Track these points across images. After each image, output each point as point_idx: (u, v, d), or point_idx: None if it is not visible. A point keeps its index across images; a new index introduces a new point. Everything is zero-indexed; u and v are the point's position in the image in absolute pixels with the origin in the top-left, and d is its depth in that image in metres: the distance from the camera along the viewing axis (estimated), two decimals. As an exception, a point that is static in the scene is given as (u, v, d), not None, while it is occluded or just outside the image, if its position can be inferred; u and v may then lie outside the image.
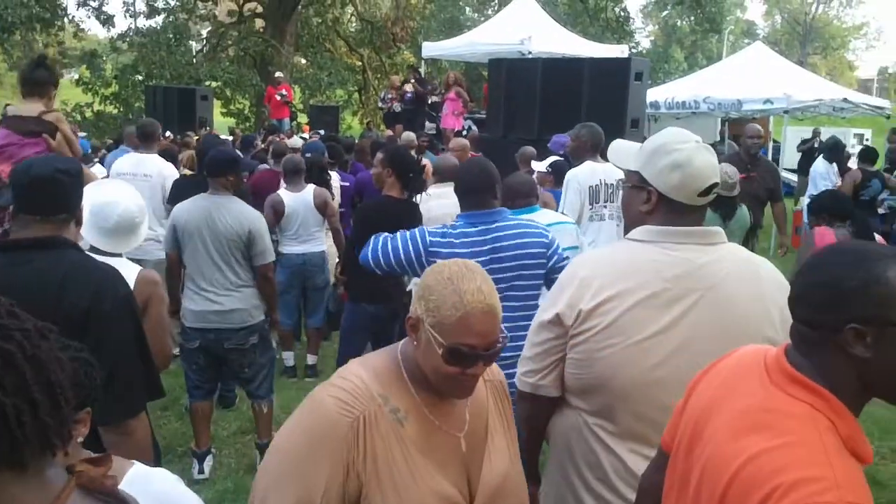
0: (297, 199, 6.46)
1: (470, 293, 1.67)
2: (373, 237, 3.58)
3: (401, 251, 3.43)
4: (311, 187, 6.55)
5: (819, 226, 4.85)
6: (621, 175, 5.89)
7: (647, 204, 2.10)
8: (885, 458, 5.35)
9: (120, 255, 3.20)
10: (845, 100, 14.41)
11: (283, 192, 6.50)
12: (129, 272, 3.03)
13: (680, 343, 1.97)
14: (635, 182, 2.16)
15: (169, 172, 6.84)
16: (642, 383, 1.98)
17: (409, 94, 15.72)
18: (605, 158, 6.03)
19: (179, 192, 6.07)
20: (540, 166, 6.42)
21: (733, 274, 2.03)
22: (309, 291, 6.74)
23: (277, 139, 10.63)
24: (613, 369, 1.99)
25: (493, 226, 3.40)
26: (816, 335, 1.44)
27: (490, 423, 1.90)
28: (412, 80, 16.12)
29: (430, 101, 15.87)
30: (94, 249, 3.09)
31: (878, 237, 4.78)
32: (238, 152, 6.14)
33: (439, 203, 5.15)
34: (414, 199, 5.09)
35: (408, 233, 3.46)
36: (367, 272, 5.02)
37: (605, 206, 5.59)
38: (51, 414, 1.11)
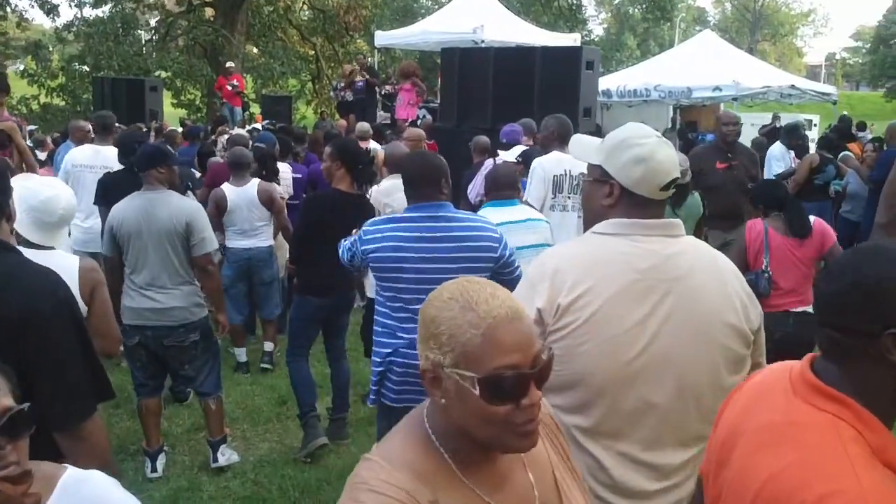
0: (240, 193, 6.38)
1: (484, 302, 1.34)
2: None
3: (346, 247, 3.47)
4: (255, 181, 6.47)
5: (757, 215, 4.91)
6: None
7: (609, 197, 2.11)
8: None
9: (53, 248, 3.17)
10: (793, 86, 14.71)
11: (226, 187, 6.43)
12: (71, 262, 3.05)
13: (653, 335, 1.98)
14: (597, 176, 2.16)
15: None
16: (620, 377, 1.98)
17: (359, 83, 15.63)
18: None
19: (107, 188, 5.94)
20: (509, 155, 6.40)
21: (697, 265, 2.07)
22: (256, 286, 6.68)
23: (227, 131, 10.49)
24: (593, 365, 1.98)
25: (439, 215, 3.39)
26: (849, 341, 1.36)
27: (559, 480, 1.54)
28: (360, 69, 16.04)
29: (382, 91, 15.80)
30: (24, 243, 3.04)
31: (814, 218, 4.84)
32: (168, 146, 6.10)
33: (400, 196, 5.20)
34: (365, 192, 5.07)
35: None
36: (312, 264, 5.04)
37: (570, 198, 5.61)
38: None
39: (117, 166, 6.48)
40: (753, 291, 5.19)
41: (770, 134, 14.45)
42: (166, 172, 4.76)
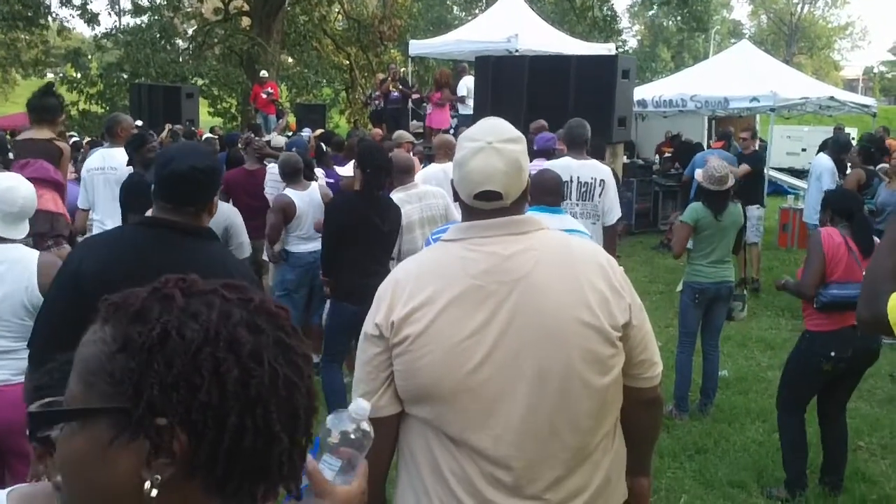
0: (305, 197, 6.29)
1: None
2: None
3: None
4: (314, 185, 6.43)
5: (825, 224, 4.70)
6: (599, 174, 5.85)
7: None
8: (874, 454, 5.34)
9: (15, 242, 3.29)
10: (832, 98, 14.43)
11: (291, 193, 6.30)
12: (31, 256, 3.24)
13: (496, 340, 1.86)
14: None
15: None
16: (465, 388, 1.86)
17: (395, 95, 15.64)
18: (591, 155, 6.00)
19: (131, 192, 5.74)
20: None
21: (543, 261, 1.91)
22: (316, 289, 6.42)
23: (252, 138, 10.51)
24: (435, 377, 1.87)
25: None
26: None
27: None
28: (393, 79, 16.01)
29: (413, 98, 15.81)
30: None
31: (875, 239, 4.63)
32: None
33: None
34: (381, 193, 5.01)
35: None
36: (346, 271, 5.00)
37: (578, 204, 5.55)
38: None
39: (124, 168, 6.53)
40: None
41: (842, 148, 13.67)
42: None
